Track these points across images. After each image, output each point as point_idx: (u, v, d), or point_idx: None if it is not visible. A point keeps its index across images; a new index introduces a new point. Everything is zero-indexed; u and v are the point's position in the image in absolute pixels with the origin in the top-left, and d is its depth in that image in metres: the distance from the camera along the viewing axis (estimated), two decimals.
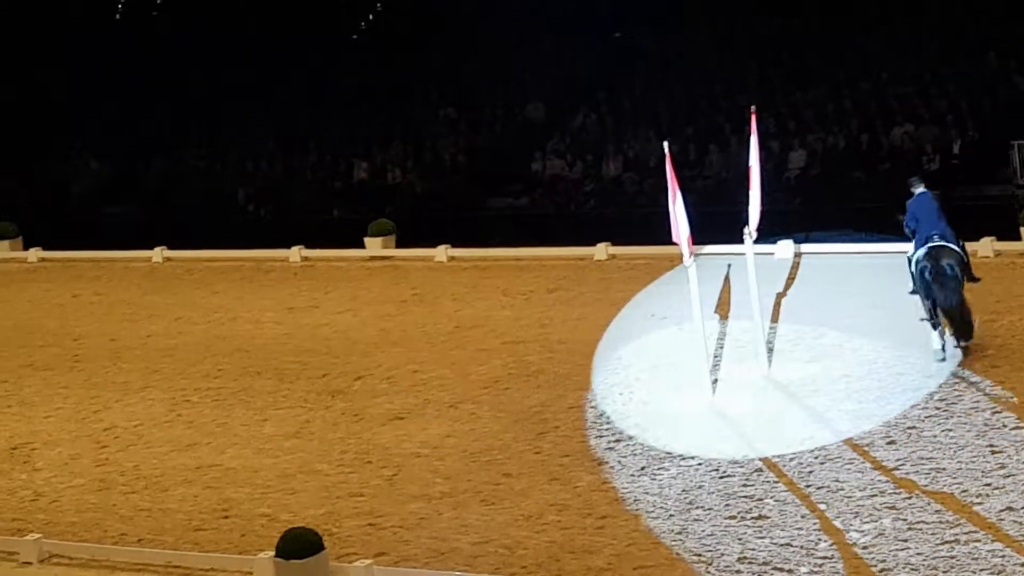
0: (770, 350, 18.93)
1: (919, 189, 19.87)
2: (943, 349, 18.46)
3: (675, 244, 17.65)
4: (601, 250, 26.96)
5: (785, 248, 25.40)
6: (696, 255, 17.71)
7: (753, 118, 19.52)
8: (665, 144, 17.85)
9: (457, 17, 44.40)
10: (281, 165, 40.68)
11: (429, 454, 16.91)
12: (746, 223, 18.77)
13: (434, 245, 28.68)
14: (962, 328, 18.51)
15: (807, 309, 21.31)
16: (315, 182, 39.74)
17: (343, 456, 17.14)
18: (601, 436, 16.81)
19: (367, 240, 30.03)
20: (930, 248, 18.52)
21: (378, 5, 48.08)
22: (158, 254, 31.25)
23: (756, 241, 18.90)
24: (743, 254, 19.03)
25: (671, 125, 36.11)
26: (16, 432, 18.99)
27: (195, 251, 31.51)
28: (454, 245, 28.25)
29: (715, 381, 17.96)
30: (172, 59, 47.40)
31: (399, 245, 29.58)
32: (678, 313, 20.83)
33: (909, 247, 19.44)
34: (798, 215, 31.28)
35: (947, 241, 18.66)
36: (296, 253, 29.96)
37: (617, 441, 16.62)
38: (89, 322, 25.64)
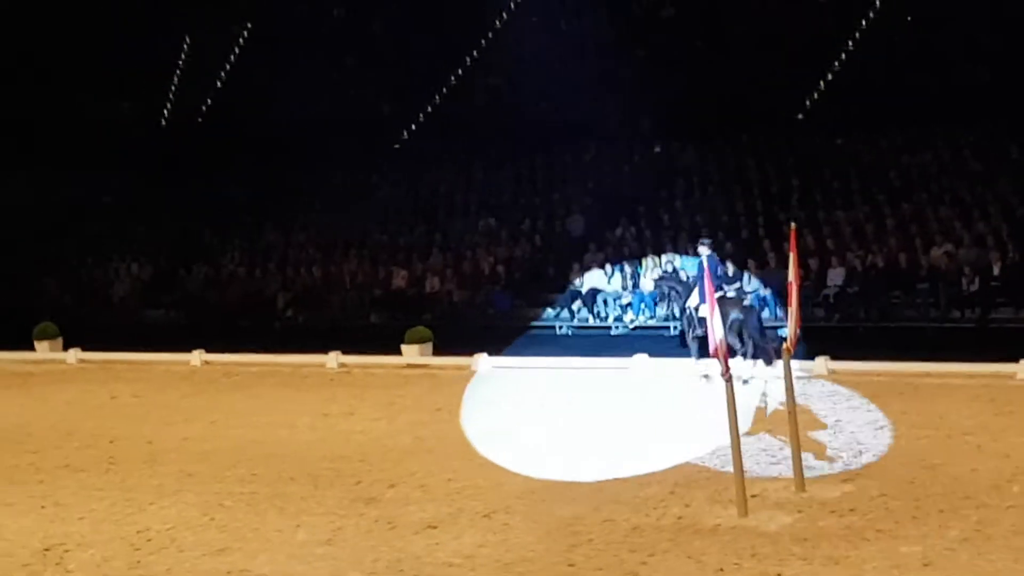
0: (806, 467, 18.82)
1: (706, 252, 24.63)
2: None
3: (713, 357, 17.65)
4: (638, 361, 27.02)
5: (819, 365, 25.40)
6: (731, 369, 17.70)
7: (793, 235, 19.55)
8: (704, 256, 17.94)
9: (498, 129, 44.77)
10: (320, 271, 40.85)
11: (462, 563, 16.79)
12: (784, 339, 18.75)
13: (471, 354, 28.77)
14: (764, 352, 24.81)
15: (843, 428, 21.23)
16: (354, 288, 39.88)
17: (375, 564, 17.03)
18: (635, 550, 16.68)
19: (404, 347, 30.14)
20: (722, 297, 24.11)
21: (420, 116, 48.52)
22: (196, 357, 31.41)
23: (793, 357, 18.88)
24: (779, 370, 18.97)
25: (710, 239, 36.22)
26: (50, 533, 18.95)
27: (233, 355, 31.66)
28: (491, 354, 28.33)
29: (750, 497, 17.83)
30: (214, 164, 47.90)
31: (435, 353, 29.67)
32: (713, 427, 20.81)
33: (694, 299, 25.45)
34: (836, 332, 31.27)
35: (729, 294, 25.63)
36: (333, 359, 30.07)
37: (651, 555, 16.48)
38: (126, 424, 25.68)
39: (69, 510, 20.04)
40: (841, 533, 16.53)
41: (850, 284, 34.47)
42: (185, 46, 56.36)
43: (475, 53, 50.15)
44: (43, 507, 20.33)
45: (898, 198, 37.24)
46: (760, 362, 25.10)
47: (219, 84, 54.57)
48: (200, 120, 53.32)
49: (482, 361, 28.48)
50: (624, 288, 35.90)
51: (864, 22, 43.41)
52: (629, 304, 35.35)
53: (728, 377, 17.50)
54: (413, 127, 48.64)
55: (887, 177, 38.34)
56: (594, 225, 39.64)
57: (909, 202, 36.98)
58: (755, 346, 25.24)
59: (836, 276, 34.65)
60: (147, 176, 49.42)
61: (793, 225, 20.02)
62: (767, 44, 43.16)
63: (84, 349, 33.60)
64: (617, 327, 35.11)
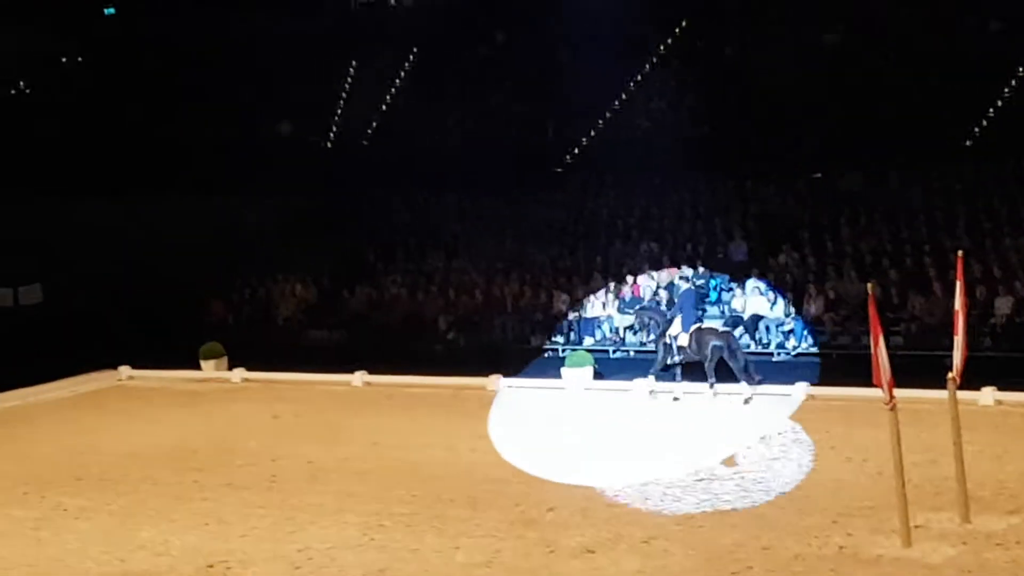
0: (970, 499, 18.49)
1: (686, 285, 29.34)
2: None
3: (876, 386, 17.43)
4: (800, 390, 26.78)
5: (987, 395, 25.01)
6: (896, 399, 17.46)
7: (959, 263, 19.24)
8: (868, 285, 17.74)
9: (660, 153, 44.67)
10: (482, 294, 40.99)
11: None
12: (949, 368, 18.46)
13: (630, 378, 28.73)
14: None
15: (1010, 459, 20.85)
16: (515, 311, 39.96)
17: None
18: None
19: (563, 371, 30.18)
20: (701, 328, 27.60)
21: (583, 140, 48.58)
22: (358, 378, 31.68)
23: (959, 388, 18.58)
24: (944, 400, 18.68)
25: (874, 266, 35.80)
26: (213, 550, 19.21)
27: (394, 376, 31.88)
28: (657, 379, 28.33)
29: (913, 528, 17.57)
30: (378, 187, 48.36)
31: (596, 377, 29.67)
32: (876, 456, 20.55)
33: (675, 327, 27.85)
34: (1003, 362, 30.74)
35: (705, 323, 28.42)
36: (493, 382, 30.17)
37: None
38: (288, 443, 25.97)
39: (232, 527, 20.31)
40: (1006, 567, 16.22)
41: (1018, 313, 33.85)
42: (351, 69, 57.01)
43: (638, 77, 50.11)
44: (206, 524, 20.62)
45: None
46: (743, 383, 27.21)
47: (384, 108, 55.09)
48: (365, 143, 53.84)
49: (639, 386, 28.41)
50: (787, 315, 35.61)
51: None
52: (791, 331, 35.04)
53: (892, 406, 17.27)
54: (576, 151, 48.68)
55: None
56: (756, 251, 39.36)
57: None
58: (740, 368, 27.41)
59: (1003, 305, 34.03)
60: (312, 198, 50.03)
61: (960, 253, 19.68)
62: (934, 70, 42.61)
63: (248, 369, 34.06)
64: (779, 353, 34.82)
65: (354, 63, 57.05)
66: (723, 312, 36.38)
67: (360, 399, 30.26)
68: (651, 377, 28.56)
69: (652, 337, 29.90)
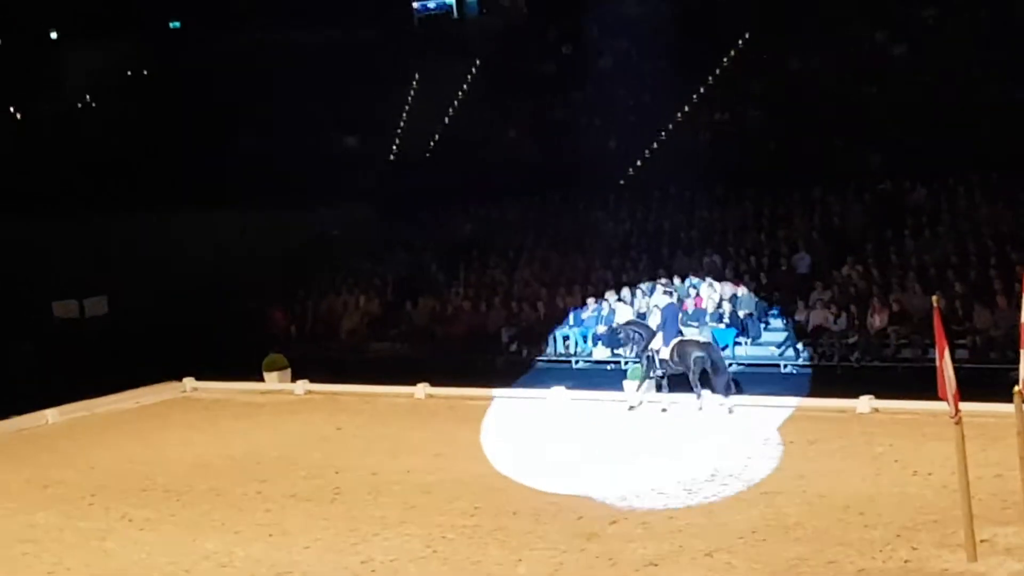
0: None
1: (667, 300, 29.83)
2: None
3: (942, 400, 17.32)
4: (864, 403, 26.63)
5: None
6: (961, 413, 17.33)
7: None
8: (933, 298, 17.63)
9: (723, 165, 44.59)
10: (545, 306, 40.98)
11: None
12: (1015, 382, 18.31)
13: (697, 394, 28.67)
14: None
15: None
16: (577, 324, 39.92)
17: None
18: None
19: (625, 383, 30.17)
20: (682, 340, 28.12)
21: (645, 152, 48.55)
22: (421, 390, 31.73)
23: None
24: (1010, 413, 18.53)
25: (939, 279, 35.55)
26: (276, 561, 19.30)
27: (457, 388, 31.92)
28: (713, 392, 28.24)
29: (979, 542, 17.43)
30: (443, 198, 48.50)
31: (659, 389, 29.62)
32: (941, 469, 20.43)
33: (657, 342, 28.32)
34: None
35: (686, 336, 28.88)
36: (558, 393, 30.20)
37: None
38: (351, 455, 26.05)
39: (295, 539, 20.39)
40: None
41: None
42: (414, 82, 57.22)
43: (701, 89, 50.04)
44: (270, 535, 20.72)
45: None
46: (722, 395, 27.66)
47: (446, 120, 55.25)
48: (428, 155, 54.00)
49: (707, 399, 28.32)
50: (850, 328, 35.43)
51: None
52: (856, 343, 34.87)
53: (958, 420, 17.15)
54: (638, 163, 48.64)
55: None
56: (820, 263, 39.18)
57: None
58: (723, 379, 27.79)
59: None
60: (375, 211, 50.24)
61: None
62: (1001, 81, 42.31)
63: (311, 381, 34.18)
64: (841, 365, 34.68)
65: (417, 76, 57.26)
66: (786, 325, 36.33)
67: (423, 411, 30.31)
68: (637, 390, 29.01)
69: (635, 353, 30.19)
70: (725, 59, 50.48)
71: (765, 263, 40.17)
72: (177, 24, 65.88)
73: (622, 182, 47.99)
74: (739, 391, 28.20)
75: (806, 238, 40.81)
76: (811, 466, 22.63)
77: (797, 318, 36.43)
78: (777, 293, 38.16)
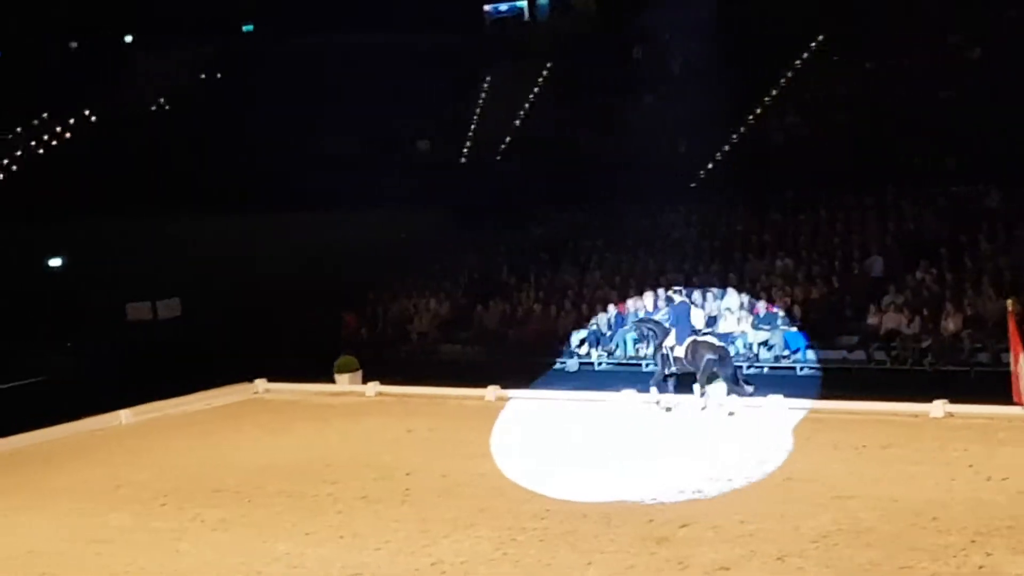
0: None
1: (679, 299, 29.38)
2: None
3: (1016, 404, 17.18)
4: (938, 407, 26.40)
5: None
6: None
7: None
8: (1008, 302, 17.52)
9: (794, 168, 44.43)
10: (616, 309, 40.94)
11: None
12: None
13: (764, 395, 28.56)
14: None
15: None
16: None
17: None
18: None
19: (695, 388, 30.08)
20: (697, 341, 28.08)
21: (716, 155, 48.43)
22: (491, 393, 31.72)
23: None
24: None
25: (1014, 284, 35.25)
26: (347, 562, 19.33)
27: (528, 391, 31.92)
28: (786, 396, 28.10)
29: None
30: (514, 201, 48.53)
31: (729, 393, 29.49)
32: (1016, 475, 20.25)
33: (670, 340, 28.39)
34: None
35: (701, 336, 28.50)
36: (626, 395, 30.17)
37: None
38: (422, 457, 26.05)
39: (366, 540, 20.42)
40: None
41: None
42: (484, 84, 57.28)
43: (772, 91, 49.85)
44: (341, 537, 20.76)
45: None
46: (733, 395, 27.90)
47: (517, 122, 55.29)
48: (499, 158, 54.05)
49: (776, 403, 28.19)
50: (924, 331, 35.22)
51: None
52: (928, 346, 34.67)
53: None
54: (709, 166, 48.53)
55: None
56: (893, 267, 38.97)
57: None
58: (732, 381, 28.09)
59: None
60: (447, 213, 50.34)
61: None
62: None
63: (382, 383, 34.24)
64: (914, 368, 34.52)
65: (488, 78, 57.32)
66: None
67: (493, 413, 30.27)
68: (652, 389, 29.18)
69: (651, 349, 30.52)
70: (798, 61, 50.26)
71: (838, 266, 40.00)
72: (250, 27, 66.20)
73: (694, 185, 47.89)
74: (740, 395, 28.16)
75: (879, 242, 40.59)
76: (884, 470, 22.45)
77: (870, 321, 36.23)
78: (849, 296, 38.00)
